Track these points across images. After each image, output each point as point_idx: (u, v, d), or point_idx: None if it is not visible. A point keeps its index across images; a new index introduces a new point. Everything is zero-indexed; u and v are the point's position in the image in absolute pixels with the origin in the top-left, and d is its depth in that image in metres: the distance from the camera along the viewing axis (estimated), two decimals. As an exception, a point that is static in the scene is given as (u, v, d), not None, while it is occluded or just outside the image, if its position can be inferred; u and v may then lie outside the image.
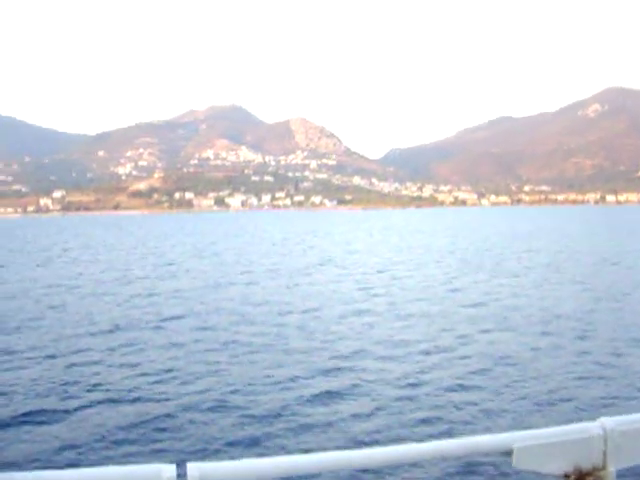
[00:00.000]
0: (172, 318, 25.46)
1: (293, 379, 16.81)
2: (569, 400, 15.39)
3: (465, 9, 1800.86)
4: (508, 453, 2.55)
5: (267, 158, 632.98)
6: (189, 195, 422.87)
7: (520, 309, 26.41)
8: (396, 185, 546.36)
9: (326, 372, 17.63)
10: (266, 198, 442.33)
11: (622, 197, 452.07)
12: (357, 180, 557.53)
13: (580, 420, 2.82)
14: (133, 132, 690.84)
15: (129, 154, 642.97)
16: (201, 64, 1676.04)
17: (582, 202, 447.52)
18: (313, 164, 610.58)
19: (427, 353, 19.53)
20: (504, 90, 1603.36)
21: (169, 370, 17.64)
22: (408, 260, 52.49)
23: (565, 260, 49.50)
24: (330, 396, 15.53)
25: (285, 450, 12.23)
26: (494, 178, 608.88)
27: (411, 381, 16.61)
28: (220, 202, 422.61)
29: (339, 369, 17.82)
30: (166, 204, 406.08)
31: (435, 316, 25.19)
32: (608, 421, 2.76)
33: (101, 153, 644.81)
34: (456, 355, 19.44)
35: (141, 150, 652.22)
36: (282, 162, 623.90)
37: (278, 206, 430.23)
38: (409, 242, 78.54)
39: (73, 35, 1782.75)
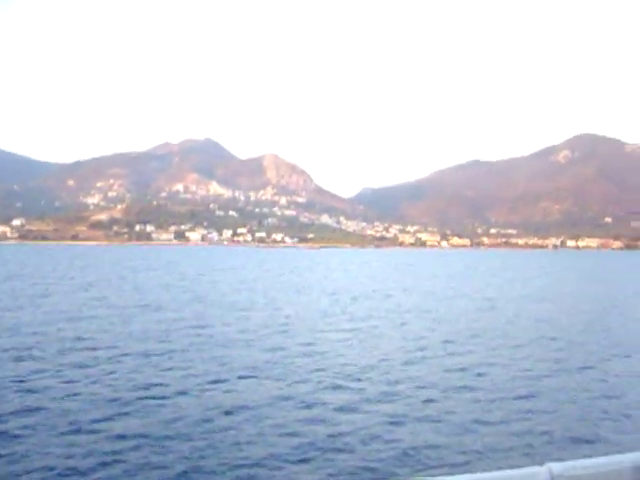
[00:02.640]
0: None
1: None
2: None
3: (440, 51, 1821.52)
4: None
5: (237, 193, 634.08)
6: (150, 228, 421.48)
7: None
8: (363, 224, 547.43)
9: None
10: (228, 233, 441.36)
11: (582, 242, 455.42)
12: (325, 218, 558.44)
13: (527, 465, 2.86)
14: (106, 162, 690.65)
15: (99, 185, 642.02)
16: (179, 98, 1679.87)
17: (541, 247, 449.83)
18: (282, 201, 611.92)
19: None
20: (478, 133, 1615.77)
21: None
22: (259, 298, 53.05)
23: (433, 301, 52.47)
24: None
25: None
26: (463, 221, 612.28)
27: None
28: (180, 236, 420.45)
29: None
30: (125, 236, 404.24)
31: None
32: (555, 466, 2.85)
33: (71, 182, 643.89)
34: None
35: (112, 181, 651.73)
36: (252, 198, 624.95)
37: (238, 242, 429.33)
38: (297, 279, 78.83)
39: (52, 63, 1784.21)
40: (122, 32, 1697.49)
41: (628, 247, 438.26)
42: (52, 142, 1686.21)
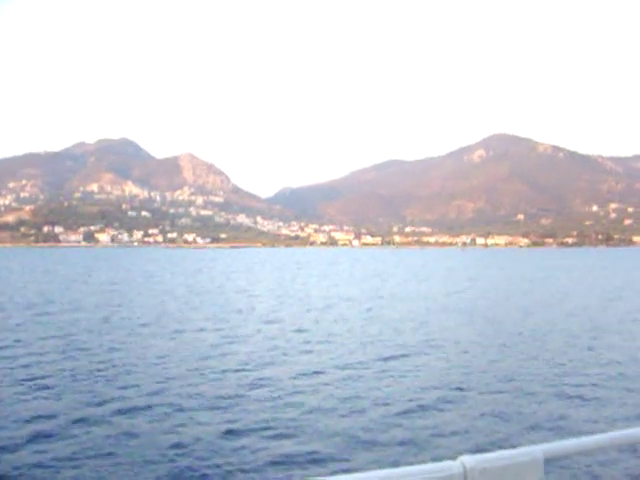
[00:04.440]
0: None
1: None
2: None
3: (354, 51, 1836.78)
4: None
5: (153, 193, 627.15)
6: (59, 229, 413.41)
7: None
8: (279, 224, 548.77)
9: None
10: (139, 234, 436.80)
11: (492, 240, 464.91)
12: (242, 218, 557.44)
13: (440, 459, 2.89)
14: (18, 162, 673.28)
15: (11, 185, 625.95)
16: (95, 96, 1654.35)
17: (451, 244, 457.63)
18: (199, 201, 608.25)
19: None
20: (395, 134, 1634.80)
21: None
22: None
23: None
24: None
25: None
26: (379, 219, 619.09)
27: None
28: (89, 237, 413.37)
29: None
30: (32, 238, 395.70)
31: None
32: (468, 459, 2.87)
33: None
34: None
35: (24, 181, 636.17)
36: (168, 198, 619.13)
37: (149, 242, 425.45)
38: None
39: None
40: (37, 27, 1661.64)
41: (535, 244, 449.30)
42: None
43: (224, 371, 23.54)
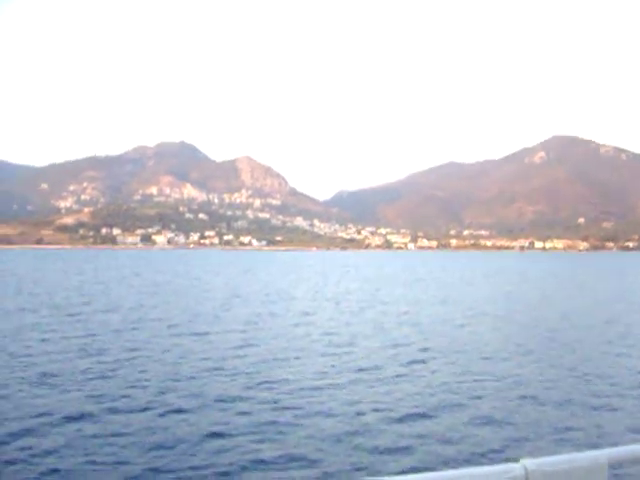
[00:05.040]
0: None
1: None
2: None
3: (417, 55, 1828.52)
4: None
5: (211, 196, 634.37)
6: (116, 231, 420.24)
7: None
8: (336, 227, 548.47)
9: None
10: (195, 236, 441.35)
11: (550, 244, 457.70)
12: (299, 221, 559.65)
13: (502, 461, 2.89)
14: (80, 165, 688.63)
15: (72, 188, 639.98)
16: (154, 100, 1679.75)
17: (508, 248, 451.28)
18: (257, 203, 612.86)
19: None
20: (454, 136, 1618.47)
21: None
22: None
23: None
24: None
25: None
26: (437, 222, 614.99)
27: None
28: (146, 239, 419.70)
29: None
30: (90, 239, 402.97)
31: None
32: (529, 462, 2.88)
33: (44, 186, 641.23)
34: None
35: (85, 184, 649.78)
36: (226, 200, 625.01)
37: (205, 244, 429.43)
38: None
39: (25, 65, 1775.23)
40: (98, 33, 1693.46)
41: (595, 248, 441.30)
42: (25, 144, 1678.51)
43: (234, 374, 22.94)
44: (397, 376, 22.80)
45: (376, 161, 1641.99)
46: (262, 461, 14.02)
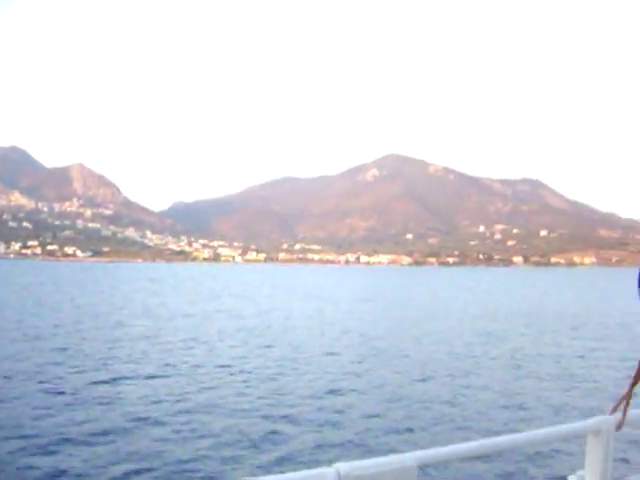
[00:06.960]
0: None
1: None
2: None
3: (260, 62, 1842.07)
4: None
5: (41, 204, 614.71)
6: None
7: None
8: (169, 238, 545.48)
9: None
10: (16, 245, 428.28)
11: (375, 258, 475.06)
12: (131, 232, 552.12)
13: (316, 466, 2.92)
14: None
15: None
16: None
17: (333, 262, 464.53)
18: (88, 213, 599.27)
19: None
20: (291, 151, 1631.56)
21: None
22: None
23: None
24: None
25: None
26: (272, 235, 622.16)
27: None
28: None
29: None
30: None
31: None
32: (343, 466, 2.89)
33: None
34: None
35: None
36: (56, 209, 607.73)
37: (26, 254, 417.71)
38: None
39: None
40: None
41: (417, 263, 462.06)
42: None
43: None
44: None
45: (214, 172, 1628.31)
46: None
